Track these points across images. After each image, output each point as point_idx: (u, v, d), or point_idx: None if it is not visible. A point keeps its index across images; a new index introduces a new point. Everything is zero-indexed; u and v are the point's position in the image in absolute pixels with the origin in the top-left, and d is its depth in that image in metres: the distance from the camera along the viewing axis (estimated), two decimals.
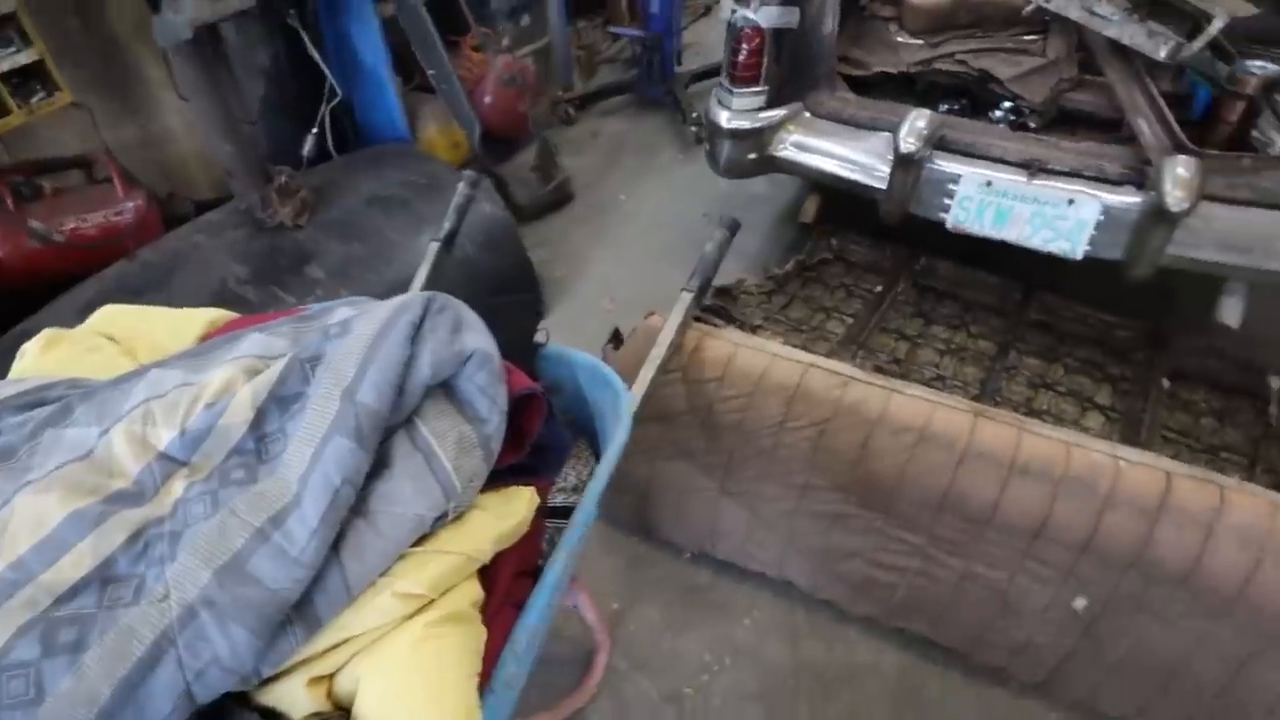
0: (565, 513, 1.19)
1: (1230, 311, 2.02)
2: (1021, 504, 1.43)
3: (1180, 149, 1.93)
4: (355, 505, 0.91)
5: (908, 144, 2.04)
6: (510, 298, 2.59)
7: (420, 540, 0.93)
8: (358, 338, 0.97)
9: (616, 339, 1.84)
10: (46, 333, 1.19)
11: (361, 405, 0.91)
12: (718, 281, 2.39)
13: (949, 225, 2.17)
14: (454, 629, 0.90)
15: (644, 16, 3.51)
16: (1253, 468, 1.95)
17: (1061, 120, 2.33)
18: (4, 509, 0.87)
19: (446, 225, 1.85)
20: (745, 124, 2.35)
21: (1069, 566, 1.44)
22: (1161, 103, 2.02)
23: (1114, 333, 2.29)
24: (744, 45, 2.23)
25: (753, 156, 2.39)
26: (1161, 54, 2.01)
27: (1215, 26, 1.85)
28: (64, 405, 1.00)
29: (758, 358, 1.62)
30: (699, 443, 1.73)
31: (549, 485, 1.19)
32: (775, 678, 1.75)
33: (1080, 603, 1.47)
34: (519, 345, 1.34)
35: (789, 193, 3.17)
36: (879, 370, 2.02)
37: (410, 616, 0.89)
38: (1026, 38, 2.29)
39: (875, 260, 2.60)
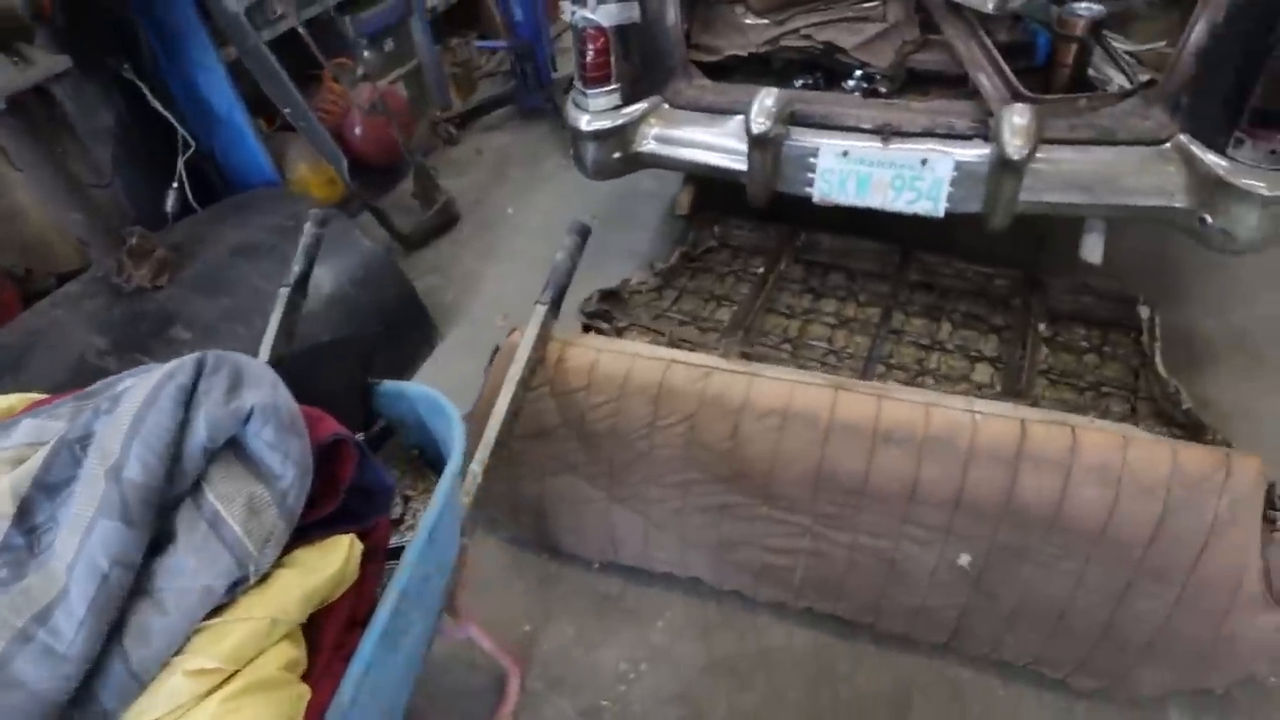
0: None
1: (1092, 249, 2.07)
2: (889, 471, 1.42)
3: (1018, 97, 1.97)
4: (137, 585, 0.85)
5: (758, 124, 2.04)
6: (398, 330, 2.53)
7: (217, 610, 0.88)
8: (125, 411, 0.91)
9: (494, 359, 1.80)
10: None
11: (128, 482, 0.86)
12: (604, 285, 2.40)
13: (815, 199, 2.18)
14: (257, 699, 0.85)
15: (510, 26, 3.46)
16: (1134, 398, 2.00)
17: (913, 82, 2.36)
18: None
19: (295, 269, 1.78)
20: (605, 124, 2.32)
21: (946, 525, 1.44)
22: (997, 54, 2.06)
23: (993, 283, 2.33)
24: (589, 46, 2.21)
25: (618, 156, 2.37)
26: (989, 5, 2.05)
27: None
28: None
29: (620, 361, 1.59)
30: (579, 454, 1.70)
31: (384, 527, 1.14)
32: (692, 676, 1.72)
33: (965, 559, 1.47)
34: (355, 387, 1.28)
35: (678, 185, 3.15)
36: (753, 355, 2.02)
37: (209, 693, 0.84)
38: (867, 4, 2.31)
39: (760, 242, 2.60)
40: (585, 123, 2.32)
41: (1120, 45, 2.23)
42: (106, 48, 2.41)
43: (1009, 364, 2.04)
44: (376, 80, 3.35)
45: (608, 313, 2.24)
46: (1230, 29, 1.73)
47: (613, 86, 2.29)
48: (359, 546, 1.03)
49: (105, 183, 2.55)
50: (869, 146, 2.08)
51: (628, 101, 2.33)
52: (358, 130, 3.08)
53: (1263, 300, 2.49)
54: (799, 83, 2.40)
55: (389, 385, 1.31)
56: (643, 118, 2.36)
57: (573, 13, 2.20)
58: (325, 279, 2.36)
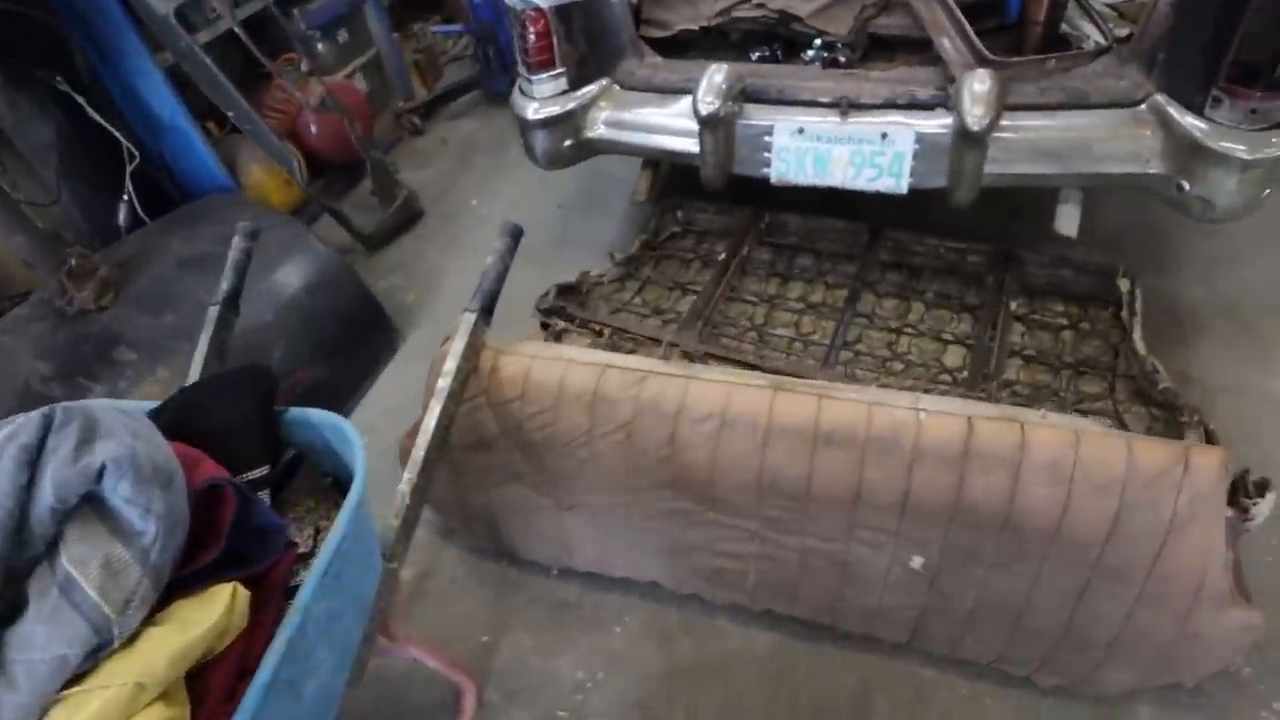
0: None
1: (1067, 221, 1.96)
2: (832, 474, 1.35)
3: (981, 62, 1.85)
4: None
5: (706, 103, 1.94)
6: (358, 335, 2.48)
7: (78, 679, 0.84)
8: None
9: None
10: None
11: None
12: (570, 277, 2.32)
13: (773, 180, 2.08)
14: None
15: (469, 8, 3.34)
16: (1113, 376, 1.90)
17: (878, 48, 2.23)
18: None
19: (224, 285, 1.72)
20: (553, 111, 2.23)
21: (895, 528, 1.37)
22: (960, 16, 1.93)
23: (966, 260, 2.22)
24: (529, 29, 2.10)
25: (569, 143, 2.27)
26: None
27: None
28: None
29: (553, 368, 1.52)
30: (523, 464, 1.64)
31: (284, 566, 1.09)
32: (651, 682, 1.68)
33: (917, 561, 1.40)
34: (258, 418, 1.22)
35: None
36: (711, 352, 1.94)
37: None
38: None
39: (725, 225, 2.50)
40: (532, 111, 2.23)
41: None
42: (37, 60, 2.34)
43: (980, 346, 1.94)
44: (333, 73, 3.27)
45: (564, 309, 2.16)
46: None
47: (558, 71, 2.19)
48: (243, 594, 0.98)
49: (53, 200, 2.50)
50: (826, 122, 1.97)
51: (575, 85, 2.23)
52: (313, 128, 3.00)
53: (1253, 265, 2.36)
54: (755, 55, 2.28)
55: (295, 413, 1.25)
56: (592, 102, 2.26)
57: None
58: (278, 288, 2.30)
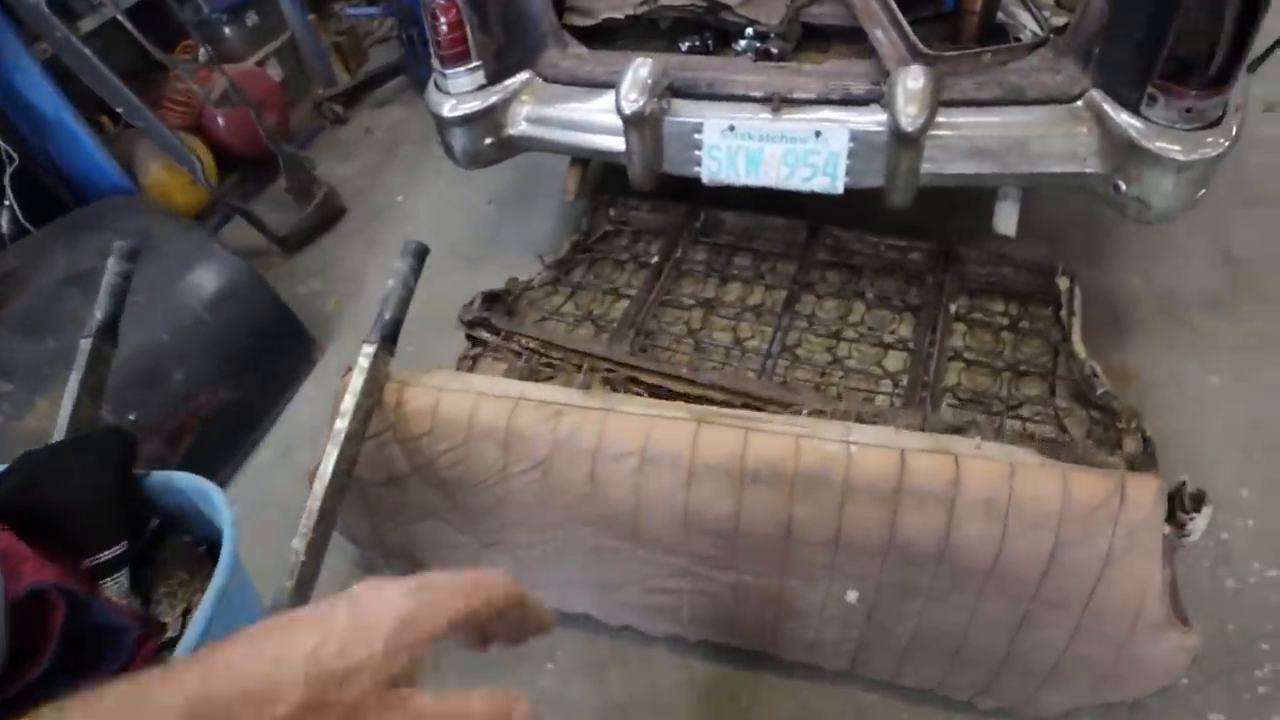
0: None
1: (1005, 219, 1.89)
2: (760, 512, 1.27)
3: (915, 56, 1.75)
4: None
5: (630, 101, 1.81)
6: (271, 350, 2.31)
7: None
8: None
9: None
10: None
11: None
12: (489, 284, 2.19)
13: (704, 180, 1.97)
14: None
15: None
16: (1053, 377, 1.86)
17: (812, 37, 2.12)
18: None
19: (98, 314, 1.55)
20: (472, 106, 2.07)
21: (829, 563, 1.30)
22: (893, 4, 1.83)
23: (907, 257, 2.16)
24: (440, 18, 1.94)
25: (490, 141, 2.13)
26: None
27: None
28: None
29: (463, 401, 1.41)
30: (437, 500, 1.53)
31: (141, 663, 0.96)
32: None
33: (852, 595, 1.34)
34: (113, 488, 1.08)
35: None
36: (638, 367, 1.84)
37: None
38: None
39: (661, 223, 2.39)
40: (448, 108, 2.07)
41: None
42: None
43: (920, 351, 1.88)
44: (242, 60, 3.03)
45: (488, 320, 2.03)
46: None
47: (474, 63, 2.03)
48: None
49: None
50: (758, 119, 1.86)
51: (495, 79, 2.08)
52: (220, 121, 2.78)
53: (1188, 257, 2.34)
54: (685, 45, 2.15)
55: (157, 477, 1.12)
56: (513, 96, 2.11)
57: None
58: (177, 304, 2.12)
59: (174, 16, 2.70)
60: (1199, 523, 1.22)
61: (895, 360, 1.95)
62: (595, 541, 1.45)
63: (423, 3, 1.96)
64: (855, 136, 1.79)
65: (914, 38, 1.78)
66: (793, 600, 1.39)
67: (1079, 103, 1.71)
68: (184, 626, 1.07)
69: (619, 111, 1.83)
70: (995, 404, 1.83)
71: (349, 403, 1.35)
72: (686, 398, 1.79)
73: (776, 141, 1.85)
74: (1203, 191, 1.64)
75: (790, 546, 1.29)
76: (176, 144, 2.41)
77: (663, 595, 1.50)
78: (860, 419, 1.40)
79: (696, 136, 1.92)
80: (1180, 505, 1.23)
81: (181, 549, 1.14)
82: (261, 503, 2.11)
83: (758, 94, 1.89)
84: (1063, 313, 1.93)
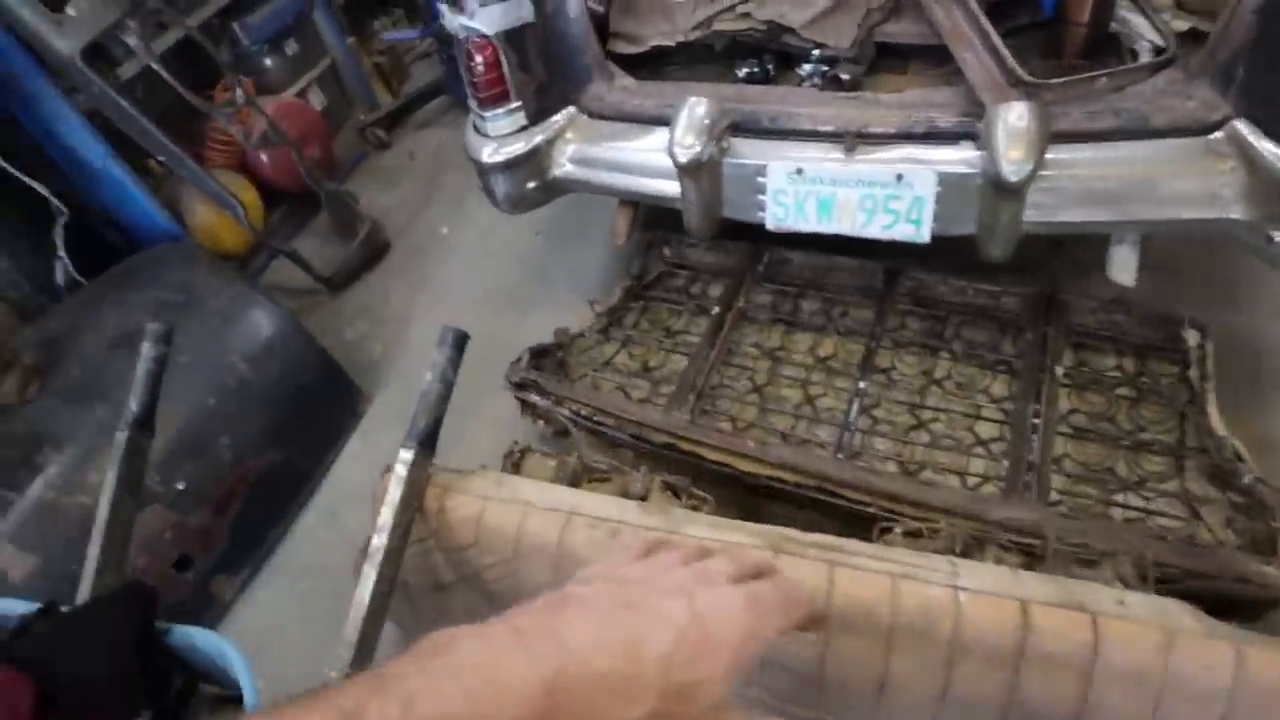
0: None
1: (1122, 266, 1.64)
2: (850, 659, 1.10)
3: (1014, 83, 1.51)
4: None
5: (685, 148, 1.63)
6: (316, 405, 2.23)
7: None
8: None
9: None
10: None
11: None
12: (548, 319, 2.07)
13: (769, 226, 1.78)
14: None
15: (426, 7, 2.98)
16: (1181, 449, 1.61)
17: (887, 56, 1.89)
18: None
19: (131, 405, 1.47)
20: (513, 150, 1.92)
21: (933, 716, 1.12)
22: (984, 20, 1.58)
23: (1001, 303, 1.91)
24: (477, 59, 1.79)
25: (533, 185, 1.98)
26: None
27: None
28: None
29: (510, 513, 1.27)
30: (485, 609, 1.40)
31: None
32: None
33: None
34: (130, 655, 0.99)
35: None
36: (700, 441, 1.67)
37: None
38: None
39: (720, 262, 2.20)
40: (488, 153, 1.93)
41: None
42: None
43: (1021, 423, 1.65)
44: (283, 90, 2.95)
45: (536, 383, 1.89)
46: None
47: (514, 104, 1.88)
48: None
49: None
50: (829, 160, 1.66)
51: (536, 119, 1.92)
52: (264, 158, 2.71)
53: None
54: (743, 71, 1.94)
55: (178, 633, 1.01)
56: (557, 135, 1.95)
57: (450, 20, 1.78)
58: (221, 365, 2.05)
59: (226, 48, 2.64)
60: None
61: (988, 429, 1.74)
62: None
63: (456, 42, 1.81)
64: (944, 179, 1.56)
65: (1011, 61, 1.53)
66: None
67: (1218, 134, 1.44)
68: None
69: (673, 159, 1.65)
70: (1111, 482, 1.60)
71: (386, 517, 1.24)
72: (754, 480, 1.63)
73: (852, 186, 1.64)
74: None
75: (886, 700, 1.12)
76: (218, 190, 2.35)
77: None
78: (966, 552, 1.20)
79: (760, 180, 1.72)
80: None
81: (207, 703, 1.05)
82: (309, 567, 2.05)
83: (828, 129, 1.68)
84: (1192, 372, 1.68)
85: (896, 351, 1.93)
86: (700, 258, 2.23)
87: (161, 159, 2.31)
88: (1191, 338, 1.68)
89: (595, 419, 1.81)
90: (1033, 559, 1.20)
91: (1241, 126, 1.41)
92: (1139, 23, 1.69)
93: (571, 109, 1.94)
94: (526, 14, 1.77)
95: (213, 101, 2.62)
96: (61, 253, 2.30)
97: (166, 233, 2.52)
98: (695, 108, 1.66)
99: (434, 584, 1.40)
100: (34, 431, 1.89)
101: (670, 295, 2.21)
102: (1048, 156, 1.48)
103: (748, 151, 1.72)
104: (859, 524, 1.59)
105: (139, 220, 2.51)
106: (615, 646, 0.38)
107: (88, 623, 0.99)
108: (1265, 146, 1.38)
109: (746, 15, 1.85)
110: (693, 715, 0.37)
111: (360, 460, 2.22)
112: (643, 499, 1.33)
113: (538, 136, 1.93)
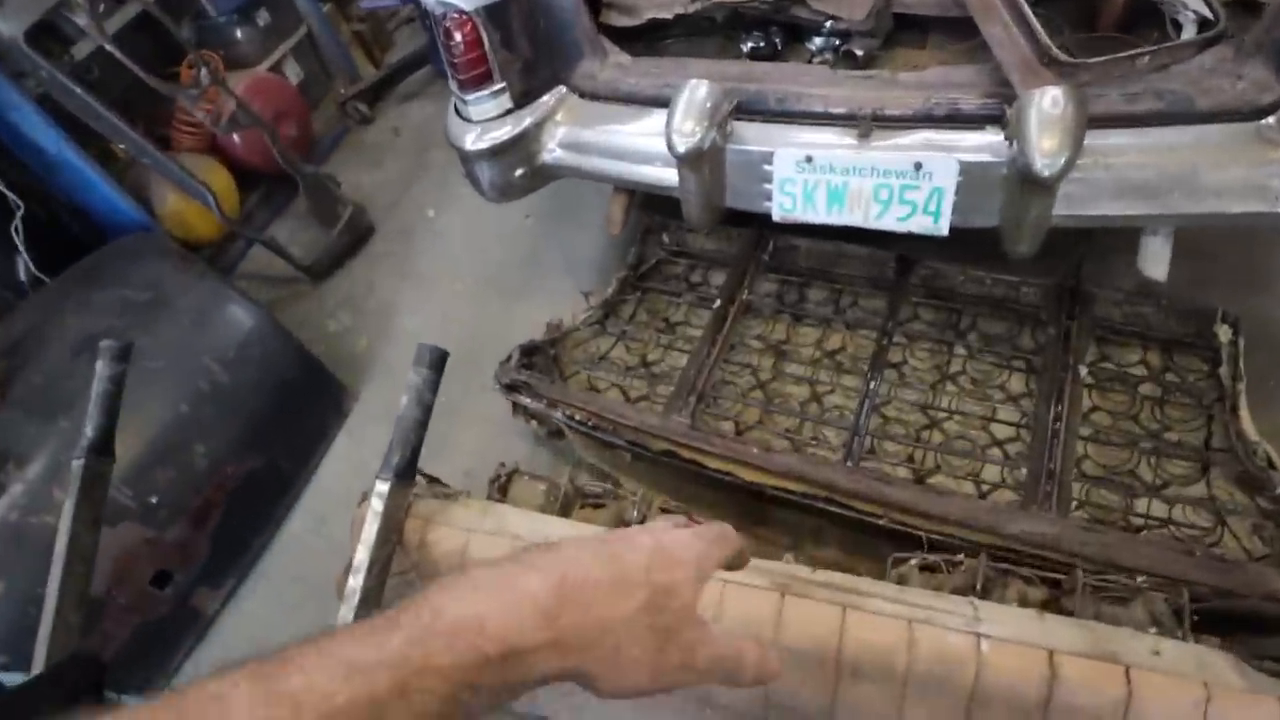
0: None
1: (1154, 259, 1.52)
2: (862, 709, 1.02)
3: (1047, 62, 1.37)
4: None
5: (684, 135, 1.49)
6: (298, 405, 2.13)
7: None
8: None
9: None
10: None
11: None
12: (540, 311, 1.97)
13: (775, 217, 1.65)
14: None
15: None
16: (1206, 453, 1.52)
17: (906, 28, 1.74)
18: None
19: (88, 430, 1.38)
20: (498, 136, 1.78)
21: None
22: None
23: (1020, 293, 1.80)
24: (456, 37, 1.64)
25: (520, 173, 1.84)
26: None
27: None
28: None
29: (496, 547, 1.18)
30: None
31: None
32: None
33: None
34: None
35: None
36: (703, 447, 1.57)
37: None
38: None
39: (721, 249, 2.08)
40: (471, 140, 1.79)
41: None
42: None
43: (1040, 425, 1.55)
44: (256, 65, 2.78)
45: (527, 384, 1.79)
46: None
47: (498, 86, 1.73)
48: None
49: None
50: (841, 147, 1.52)
51: (522, 100, 1.78)
52: (236, 139, 2.55)
53: None
54: (748, 45, 1.79)
55: (132, 705, 0.93)
56: (546, 118, 1.80)
57: None
58: (194, 369, 1.94)
59: (194, 22, 2.47)
60: None
61: (1004, 430, 1.65)
62: (660, 705, 1.23)
63: (433, 19, 1.66)
64: (966, 169, 1.44)
65: (1044, 37, 1.39)
66: None
67: (1271, 119, 1.31)
68: None
69: (671, 148, 1.51)
70: (1134, 485, 1.52)
71: (362, 556, 1.15)
72: (760, 489, 1.54)
73: (866, 175, 1.51)
74: None
75: None
76: (186, 178, 2.21)
77: None
78: (987, 588, 1.11)
79: (766, 168, 1.59)
80: None
81: None
82: (293, 576, 1.97)
83: (840, 111, 1.54)
84: (1222, 370, 1.57)
85: (909, 345, 1.82)
86: (701, 245, 2.11)
87: (121, 147, 2.15)
88: (1223, 333, 1.58)
89: (590, 423, 1.71)
90: (1059, 591, 1.11)
91: None
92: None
93: (561, 89, 1.79)
94: None
95: (179, 80, 2.46)
96: (20, 248, 2.17)
97: (135, 222, 2.38)
98: (695, 90, 1.51)
99: None
100: None
101: (669, 285, 2.09)
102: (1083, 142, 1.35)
103: (752, 137, 1.59)
104: (867, 532, 1.51)
105: (104, 210, 2.37)
106: (604, 559, 0.46)
107: (29, 702, 0.91)
108: None
109: None
110: (673, 609, 0.46)
111: (348, 460, 2.13)
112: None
113: (525, 120, 1.78)
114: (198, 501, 1.88)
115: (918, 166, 1.47)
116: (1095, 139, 1.36)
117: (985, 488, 1.56)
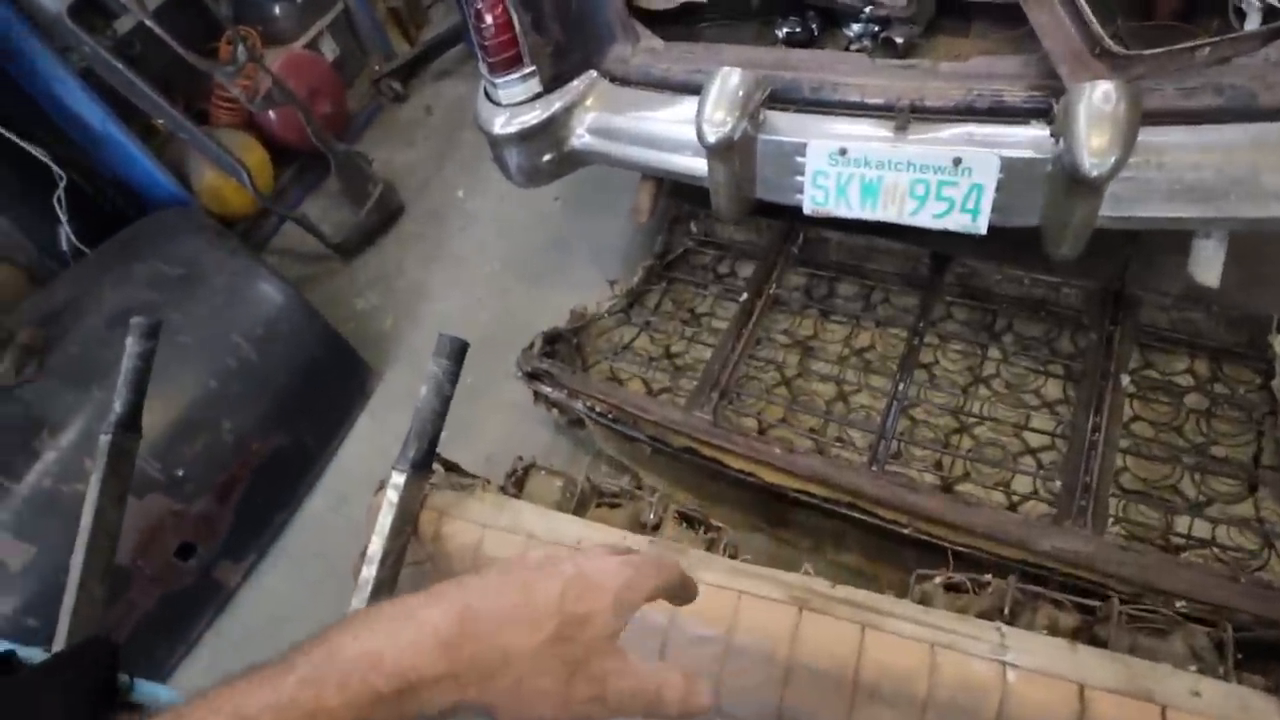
0: None
1: (1207, 266, 1.43)
2: None
3: (1099, 52, 1.30)
4: None
5: (715, 125, 1.45)
6: (324, 384, 2.15)
7: None
8: None
9: None
10: None
11: None
12: (567, 296, 1.96)
13: (806, 210, 1.60)
14: None
15: None
16: (1255, 470, 1.45)
17: (947, 15, 1.66)
18: None
19: (116, 406, 1.40)
20: (527, 120, 1.76)
21: None
22: None
23: (1060, 294, 1.73)
24: (487, 18, 1.62)
25: (549, 158, 1.82)
26: None
27: None
28: None
29: (510, 544, 1.17)
30: None
31: None
32: None
33: None
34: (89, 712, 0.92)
35: None
36: (727, 446, 1.54)
37: None
38: None
39: (751, 242, 2.04)
40: (500, 124, 1.77)
41: None
42: None
43: (1078, 435, 1.49)
44: (293, 41, 2.79)
45: (549, 373, 1.78)
46: None
47: (528, 69, 1.70)
48: None
49: None
50: (877, 140, 1.47)
51: (552, 85, 1.75)
52: (273, 115, 2.57)
53: None
54: (783, 30, 1.73)
55: (143, 689, 0.94)
56: (576, 103, 1.77)
57: None
58: (223, 345, 1.97)
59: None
60: None
61: (1040, 434, 1.59)
62: None
63: (465, 0, 1.64)
64: (1008, 166, 1.37)
65: (1096, 26, 1.31)
66: None
67: None
68: None
69: (701, 138, 1.47)
70: (1174, 502, 1.45)
71: (376, 546, 1.14)
72: (782, 490, 1.51)
73: (902, 169, 1.46)
74: None
75: None
76: (222, 154, 2.23)
77: None
78: (1015, 612, 1.06)
79: (798, 159, 1.54)
80: None
81: None
82: (314, 552, 2.00)
83: (877, 102, 1.48)
84: (1275, 382, 1.49)
85: (941, 346, 1.77)
86: (729, 235, 2.07)
87: (159, 121, 2.18)
88: (1278, 344, 1.49)
89: (610, 416, 1.69)
90: (1092, 618, 1.07)
91: None
92: None
93: (591, 74, 1.76)
94: None
95: (217, 56, 2.47)
96: (63, 218, 2.21)
97: (172, 196, 2.42)
98: (728, 78, 1.47)
99: None
100: (32, 415, 1.83)
101: (695, 275, 2.06)
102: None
103: (785, 127, 1.54)
104: (891, 539, 1.48)
105: (144, 184, 2.40)
106: (514, 588, 0.45)
107: (44, 684, 0.92)
108: None
109: None
110: (584, 639, 0.44)
111: (370, 441, 2.15)
112: (656, 527, 1.22)
113: (554, 104, 1.76)
114: (223, 476, 1.91)
115: (957, 162, 1.41)
116: (1148, 136, 1.29)
117: (1016, 499, 1.51)
